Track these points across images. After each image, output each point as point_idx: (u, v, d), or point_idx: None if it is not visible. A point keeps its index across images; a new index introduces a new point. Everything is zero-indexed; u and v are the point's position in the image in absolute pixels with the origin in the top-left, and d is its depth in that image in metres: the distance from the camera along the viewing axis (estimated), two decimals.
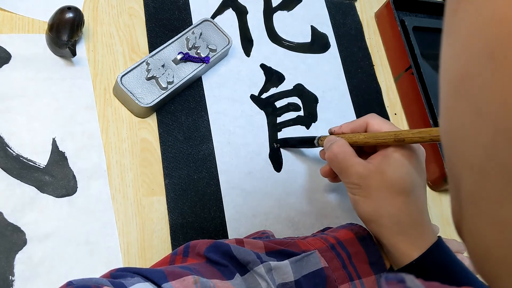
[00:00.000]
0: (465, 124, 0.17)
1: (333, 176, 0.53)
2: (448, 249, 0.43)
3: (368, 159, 0.46)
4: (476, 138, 0.17)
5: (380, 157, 0.45)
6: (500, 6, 0.15)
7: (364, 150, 0.49)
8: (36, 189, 0.47)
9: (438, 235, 0.45)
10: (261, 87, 0.63)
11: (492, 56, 0.15)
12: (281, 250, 0.42)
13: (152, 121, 0.55)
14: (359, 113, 0.66)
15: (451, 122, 0.19)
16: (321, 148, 0.54)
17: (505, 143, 0.15)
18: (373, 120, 0.48)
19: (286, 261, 0.40)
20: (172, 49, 0.58)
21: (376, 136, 0.45)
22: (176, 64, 0.57)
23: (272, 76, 0.64)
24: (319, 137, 0.53)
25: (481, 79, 0.16)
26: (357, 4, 0.76)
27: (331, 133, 0.52)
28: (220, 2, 0.66)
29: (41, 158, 0.49)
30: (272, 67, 0.65)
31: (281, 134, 0.61)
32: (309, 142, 0.55)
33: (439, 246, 0.43)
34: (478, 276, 0.41)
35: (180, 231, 0.51)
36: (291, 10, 0.71)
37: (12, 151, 0.48)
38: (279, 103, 0.63)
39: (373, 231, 0.45)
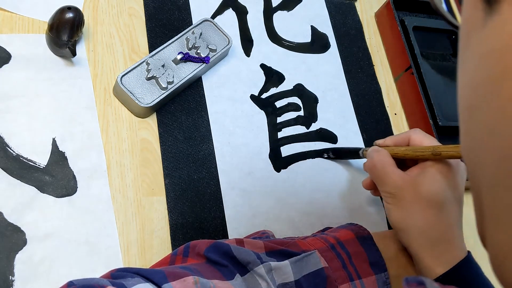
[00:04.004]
0: (479, 143, 0.19)
1: (375, 188, 0.53)
2: (477, 266, 0.43)
3: (406, 171, 0.47)
4: (489, 156, 0.19)
5: (417, 170, 0.46)
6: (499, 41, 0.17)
7: (407, 164, 0.50)
8: (36, 189, 0.47)
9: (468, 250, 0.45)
10: (261, 87, 0.63)
11: (503, 78, 0.17)
12: (281, 250, 0.42)
13: (152, 121, 0.55)
14: (359, 113, 0.66)
15: (468, 141, 0.21)
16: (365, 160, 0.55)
17: None
18: (415, 135, 0.49)
19: (286, 261, 0.40)
20: (172, 49, 0.58)
21: (415, 150, 0.47)
22: (176, 64, 0.57)
23: (272, 76, 0.64)
24: (364, 149, 0.55)
25: (486, 105, 0.18)
26: (357, 4, 0.76)
27: (376, 145, 0.53)
28: (220, 2, 0.66)
29: (41, 158, 0.49)
30: (272, 67, 0.65)
31: (281, 134, 0.61)
32: (354, 153, 0.57)
33: (467, 263, 0.43)
34: None
35: (180, 231, 0.51)
36: (291, 10, 0.71)
37: (12, 151, 0.48)
38: (279, 103, 0.63)
39: (402, 241, 0.46)
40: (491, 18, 0.18)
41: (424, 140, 0.48)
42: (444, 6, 0.24)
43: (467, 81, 0.20)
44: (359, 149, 0.56)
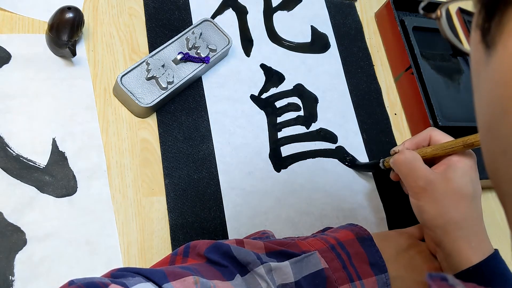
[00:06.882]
0: (496, 160, 0.22)
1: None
2: (503, 262, 0.45)
3: (431, 168, 0.48)
4: (506, 171, 0.21)
5: (444, 166, 0.48)
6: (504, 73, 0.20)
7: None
8: (36, 189, 0.47)
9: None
10: (261, 87, 0.63)
11: (504, 110, 0.20)
12: (281, 251, 0.42)
13: (152, 121, 0.55)
14: (359, 113, 0.66)
15: (488, 157, 0.23)
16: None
17: None
18: (435, 133, 0.51)
19: (286, 262, 0.40)
20: (172, 49, 0.58)
21: (444, 147, 0.48)
22: (176, 64, 0.57)
23: (272, 76, 0.64)
24: (384, 160, 0.55)
25: (498, 127, 0.21)
26: (357, 4, 0.76)
27: (395, 153, 0.53)
28: (220, 2, 0.66)
29: (41, 158, 0.49)
30: (272, 67, 0.65)
31: (281, 134, 0.61)
32: (374, 166, 0.57)
33: (496, 257, 0.45)
34: None
35: (180, 231, 0.51)
36: (291, 10, 0.71)
37: (12, 151, 0.48)
38: (279, 103, 0.63)
39: (436, 237, 0.47)
40: (491, 59, 0.21)
41: (444, 137, 0.49)
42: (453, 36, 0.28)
43: (483, 102, 0.23)
44: (378, 161, 0.56)
